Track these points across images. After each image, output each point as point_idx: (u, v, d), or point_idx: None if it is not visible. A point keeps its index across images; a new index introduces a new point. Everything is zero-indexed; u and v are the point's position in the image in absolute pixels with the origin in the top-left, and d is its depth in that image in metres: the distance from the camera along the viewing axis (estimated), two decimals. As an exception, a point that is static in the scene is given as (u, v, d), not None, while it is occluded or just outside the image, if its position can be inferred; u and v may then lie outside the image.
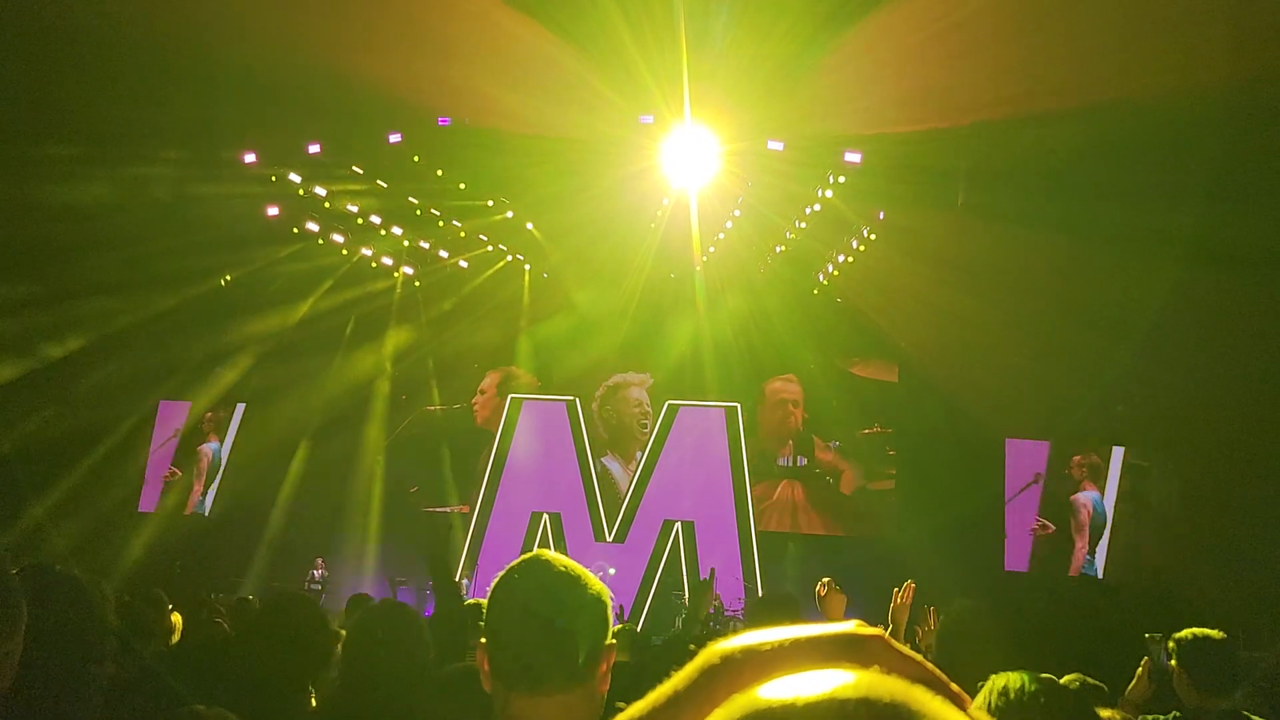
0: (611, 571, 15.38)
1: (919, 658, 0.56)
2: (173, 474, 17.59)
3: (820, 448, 16.55)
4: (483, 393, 17.69)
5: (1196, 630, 3.46)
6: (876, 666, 0.53)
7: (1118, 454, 15.02)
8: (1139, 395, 14.14)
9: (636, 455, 16.95)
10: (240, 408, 17.64)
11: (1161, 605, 12.41)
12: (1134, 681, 3.83)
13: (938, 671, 0.56)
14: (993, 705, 2.11)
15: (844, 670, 0.51)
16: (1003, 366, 14.20)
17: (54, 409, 15.15)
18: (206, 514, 17.26)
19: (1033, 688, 2.16)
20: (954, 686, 0.56)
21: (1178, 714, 3.37)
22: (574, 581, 1.67)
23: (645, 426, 17.04)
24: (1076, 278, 13.26)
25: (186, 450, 17.63)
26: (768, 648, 0.55)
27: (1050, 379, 14.49)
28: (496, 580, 1.71)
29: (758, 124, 11.66)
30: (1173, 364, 12.93)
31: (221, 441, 17.73)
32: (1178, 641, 3.46)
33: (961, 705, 0.55)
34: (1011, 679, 2.20)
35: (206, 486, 17.50)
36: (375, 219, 15.24)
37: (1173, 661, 3.45)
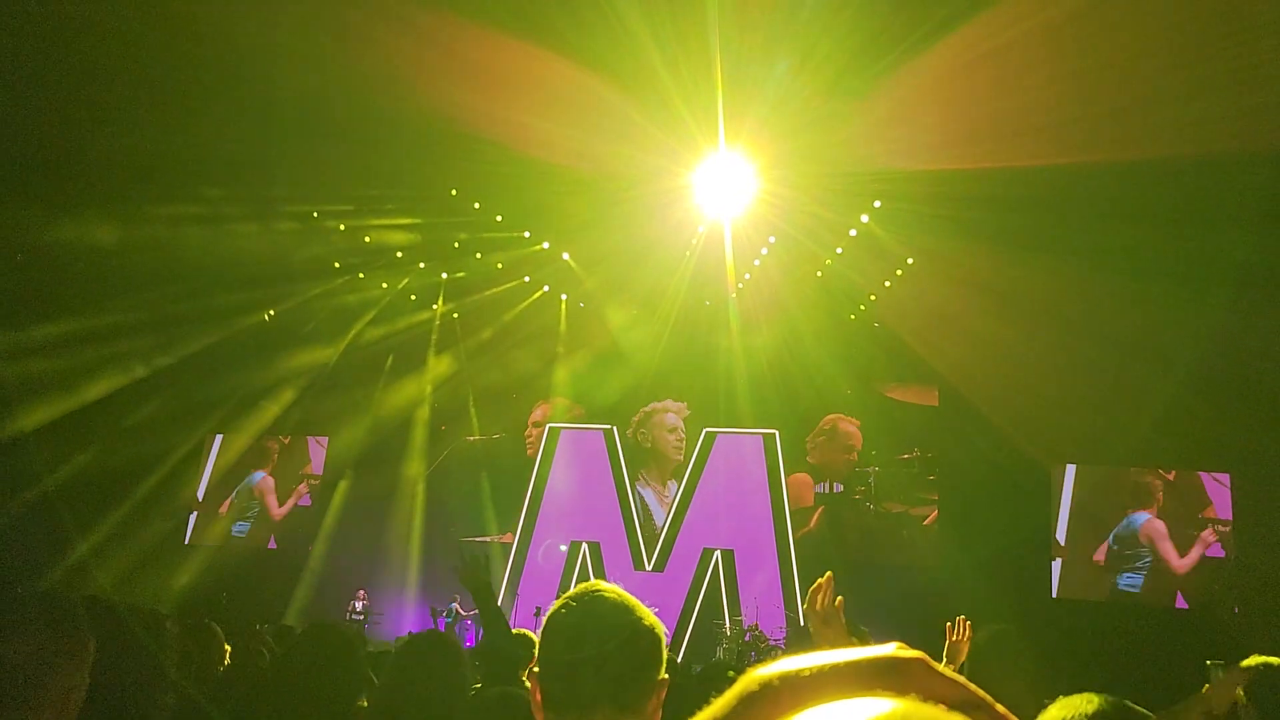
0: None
1: (962, 680, 0.55)
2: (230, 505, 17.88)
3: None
4: (536, 425, 17.76)
5: (1265, 659, 3.36)
6: (916, 692, 0.52)
7: (1224, 480, 14.67)
8: (1187, 423, 13.88)
9: (670, 483, 16.91)
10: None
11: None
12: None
13: (982, 693, 0.55)
14: None
15: (882, 698, 0.50)
16: (1047, 394, 14.03)
17: (100, 445, 15.39)
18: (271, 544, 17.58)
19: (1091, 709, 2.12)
20: (999, 708, 0.55)
21: None
22: (628, 612, 1.67)
23: (680, 452, 17.02)
24: (1122, 305, 13.11)
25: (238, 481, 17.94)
26: (806, 673, 0.54)
27: (1097, 407, 14.28)
28: (552, 610, 1.71)
29: (793, 153, 11.67)
30: (1223, 393, 12.75)
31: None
32: (1244, 670, 3.36)
33: None
34: (1064, 706, 2.16)
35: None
36: (414, 252, 15.40)
37: (1239, 690, 3.36)
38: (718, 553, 16.19)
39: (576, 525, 16.76)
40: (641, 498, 16.94)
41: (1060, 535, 15.21)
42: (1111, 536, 14.93)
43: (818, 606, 2.27)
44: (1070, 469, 15.38)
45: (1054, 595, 14.86)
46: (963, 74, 9.48)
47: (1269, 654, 3.40)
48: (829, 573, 2.08)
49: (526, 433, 17.78)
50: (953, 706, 0.52)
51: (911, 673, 0.54)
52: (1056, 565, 15.08)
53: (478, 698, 3.30)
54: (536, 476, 17.22)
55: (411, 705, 2.91)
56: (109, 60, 10.23)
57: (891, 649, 0.56)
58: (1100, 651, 11.88)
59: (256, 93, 10.69)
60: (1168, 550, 14.62)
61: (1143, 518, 14.87)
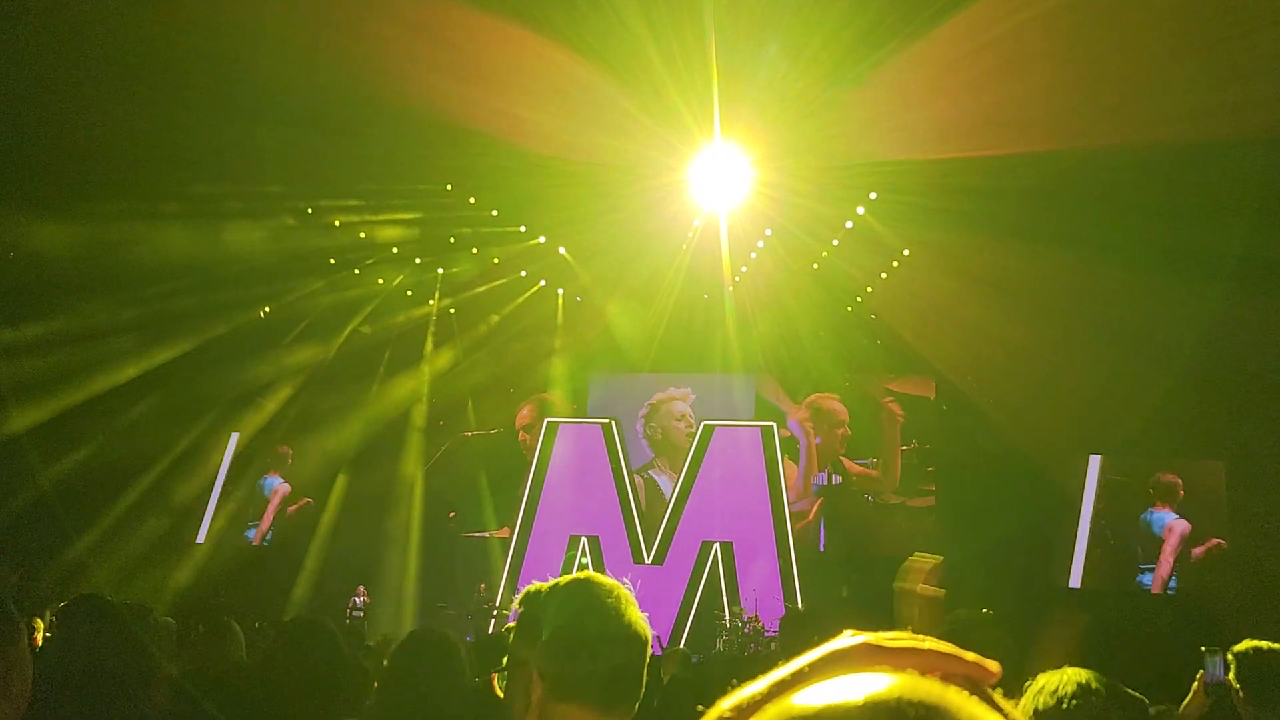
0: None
1: (910, 641, 0.56)
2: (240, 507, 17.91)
3: (856, 467, 16.42)
4: (527, 429, 17.78)
5: (1256, 643, 3.37)
6: (911, 669, 0.53)
7: (1219, 469, 14.67)
8: (1182, 414, 13.88)
9: (683, 469, 16.95)
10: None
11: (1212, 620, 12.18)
12: (1189, 696, 3.74)
13: (944, 645, 0.56)
14: (1040, 706, 2.08)
15: (881, 674, 0.51)
16: (1042, 385, 14.05)
17: (95, 443, 15.37)
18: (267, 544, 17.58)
19: (1071, 688, 2.12)
20: (970, 656, 0.56)
21: None
22: (634, 607, 1.67)
23: (691, 439, 17.04)
24: (1117, 297, 13.12)
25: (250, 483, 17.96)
26: (759, 695, 0.55)
27: (1091, 398, 14.30)
28: (572, 593, 1.69)
29: (789, 145, 11.65)
30: (1218, 384, 12.78)
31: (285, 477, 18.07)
32: (1236, 655, 3.38)
33: (982, 672, 0.56)
34: (1050, 679, 2.16)
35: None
36: (410, 247, 15.38)
37: (1230, 675, 3.37)
38: (717, 545, 16.20)
39: (575, 519, 16.77)
40: (655, 483, 16.95)
41: (1056, 524, 15.24)
42: (1134, 532, 14.98)
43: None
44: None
45: (1054, 585, 14.88)
46: (958, 65, 9.47)
47: (1262, 640, 3.41)
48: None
49: (519, 435, 17.81)
50: (946, 683, 0.52)
51: (856, 658, 0.54)
52: (1053, 556, 15.11)
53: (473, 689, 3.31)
54: (535, 470, 17.22)
55: (411, 703, 2.92)
56: (95, 54, 10.19)
57: (835, 643, 0.56)
58: (1094, 640, 11.90)
59: (248, 86, 10.64)
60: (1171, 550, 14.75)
61: (1168, 516, 14.89)
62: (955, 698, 0.49)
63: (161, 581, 15.49)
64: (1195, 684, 3.74)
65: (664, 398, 17.34)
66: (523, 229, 14.82)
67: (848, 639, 0.56)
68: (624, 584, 1.71)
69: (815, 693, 0.50)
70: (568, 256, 15.59)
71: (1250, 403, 12.96)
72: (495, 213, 14.33)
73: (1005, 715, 0.54)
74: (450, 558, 16.87)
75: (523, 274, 16.30)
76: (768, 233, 14.14)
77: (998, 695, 0.57)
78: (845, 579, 15.33)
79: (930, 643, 0.56)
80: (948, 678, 0.55)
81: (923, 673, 0.53)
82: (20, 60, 10.40)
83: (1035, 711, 2.09)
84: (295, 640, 2.94)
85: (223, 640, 4.71)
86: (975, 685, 0.55)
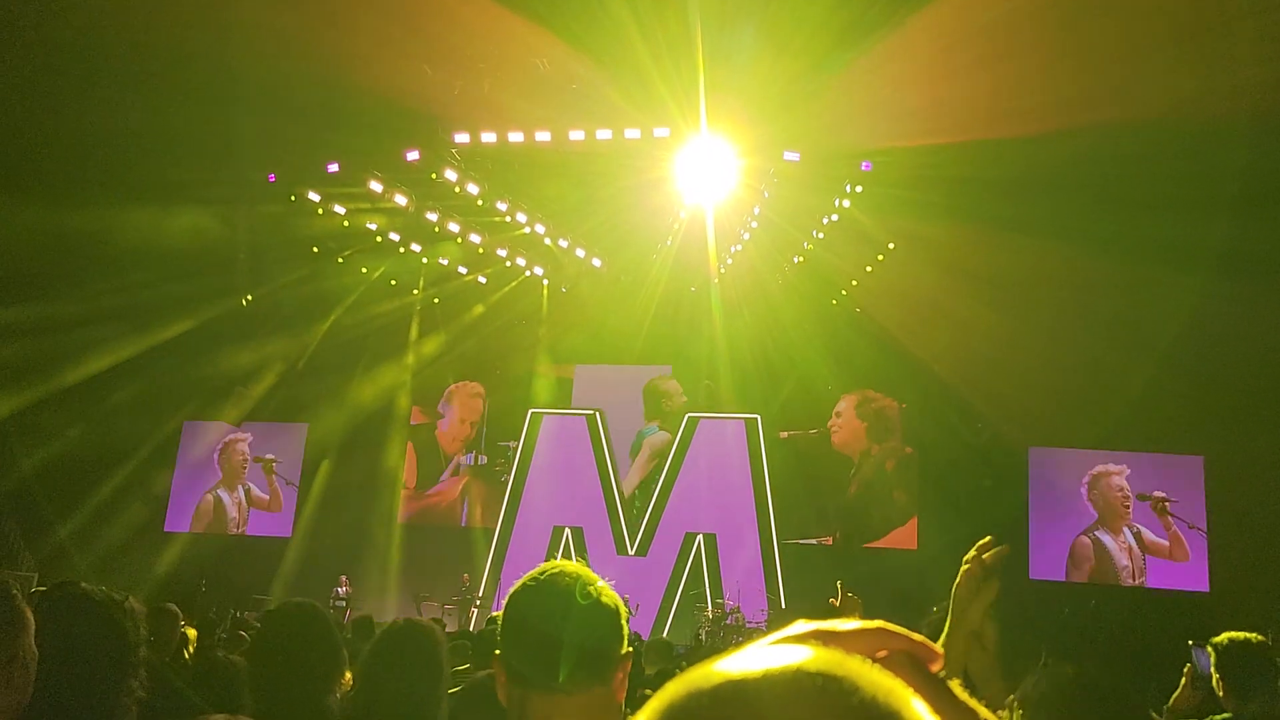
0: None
1: (869, 625, 0.56)
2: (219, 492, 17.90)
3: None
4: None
5: (1234, 634, 3.42)
6: (859, 649, 0.54)
7: (1198, 462, 14.88)
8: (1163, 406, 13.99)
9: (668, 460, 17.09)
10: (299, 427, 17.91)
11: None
12: (1178, 690, 3.77)
13: (886, 625, 0.57)
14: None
15: (790, 648, 0.51)
16: (1025, 378, 14.12)
17: (78, 429, 15.27)
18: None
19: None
20: (916, 636, 0.57)
21: (1229, 716, 3.33)
22: (586, 589, 1.65)
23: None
24: (1100, 289, 13.20)
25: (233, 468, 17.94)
26: None
27: (1073, 390, 14.38)
28: (513, 590, 1.69)
29: (774, 136, 11.63)
30: (1200, 376, 12.89)
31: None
32: (1215, 646, 3.42)
33: (926, 651, 0.56)
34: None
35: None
36: (394, 236, 15.28)
37: (1211, 666, 3.41)
38: (700, 536, 16.24)
39: (559, 510, 16.77)
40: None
41: (1037, 517, 15.34)
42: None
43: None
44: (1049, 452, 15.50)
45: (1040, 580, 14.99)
46: (943, 56, 9.49)
47: (1239, 632, 3.45)
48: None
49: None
50: (848, 653, 0.52)
51: (809, 642, 0.55)
52: (1034, 548, 15.21)
53: (465, 685, 3.30)
54: (519, 462, 17.21)
55: (389, 694, 2.91)
56: (76, 40, 10.10)
57: (795, 629, 0.57)
58: (1082, 633, 12.03)
59: (226, 72, 10.55)
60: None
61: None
62: (856, 666, 0.49)
63: (141, 571, 15.42)
64: (1184, 678, 3.77)
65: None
66: (509, 219, 14.75)
67: (800, 626, 0.57)
68: (598, 575, 1.71)
69: (722, 664, 0.50)
70: (554, 247, 15.51)
71: (1231, 396, 13.07)
72: (480, 202, 14.25)
73: (942, 690, 0.55)
74: (433, 548, 16.85)
75: (508, 264, 16.22)
76: (754, 225, 14.12)
77: (955, 683, 0.58)
78: (828, 573, 15.39)
79: (879, 624, 0.56)
80: (893, 656, 0.55)
81: (871, 652, 0.54)
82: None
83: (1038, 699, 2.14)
84: (287, 624, 2.93)
85: (159, 622, 4.75)
86: (918, 663, 0.56)
